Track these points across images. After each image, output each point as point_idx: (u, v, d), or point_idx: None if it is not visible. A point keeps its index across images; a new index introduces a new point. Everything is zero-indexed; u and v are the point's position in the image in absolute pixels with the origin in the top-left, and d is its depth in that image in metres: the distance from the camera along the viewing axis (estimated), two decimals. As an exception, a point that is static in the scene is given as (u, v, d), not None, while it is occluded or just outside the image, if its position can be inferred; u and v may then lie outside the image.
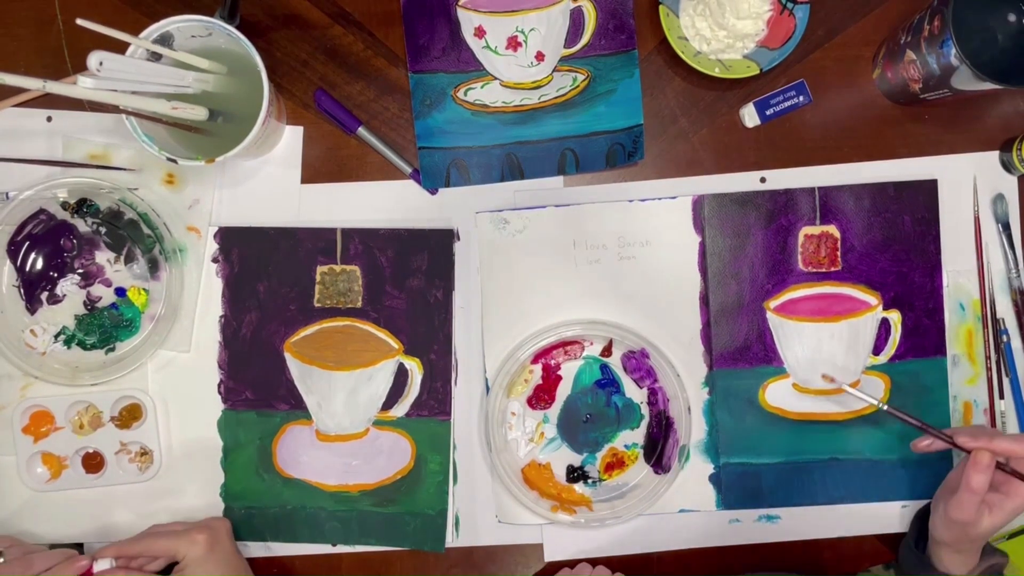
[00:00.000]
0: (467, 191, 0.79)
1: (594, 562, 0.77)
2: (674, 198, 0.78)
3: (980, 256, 0.79)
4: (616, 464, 0.78)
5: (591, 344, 0.78)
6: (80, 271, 0.77)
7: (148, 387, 0.77)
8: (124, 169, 0.77)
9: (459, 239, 0.78)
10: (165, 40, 0.67)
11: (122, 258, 0.77)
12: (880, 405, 0.69)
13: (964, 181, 0.79)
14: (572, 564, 0.77)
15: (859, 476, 0.78)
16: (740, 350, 0.77)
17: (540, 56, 0.78)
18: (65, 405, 0.76)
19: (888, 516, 0.78)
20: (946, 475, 0.70)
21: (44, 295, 0.76)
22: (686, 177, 0.79)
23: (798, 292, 0.78)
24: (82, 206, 0.76)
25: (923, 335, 0.78)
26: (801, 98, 0.78)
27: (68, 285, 0.77)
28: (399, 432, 0.77)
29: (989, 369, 0.78)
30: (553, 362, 0.78)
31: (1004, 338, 0.78)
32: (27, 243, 0.76)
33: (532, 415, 0.78)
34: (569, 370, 0.78)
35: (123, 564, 0.68)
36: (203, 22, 0.67)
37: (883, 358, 0.78)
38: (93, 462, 0.77)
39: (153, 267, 0.77)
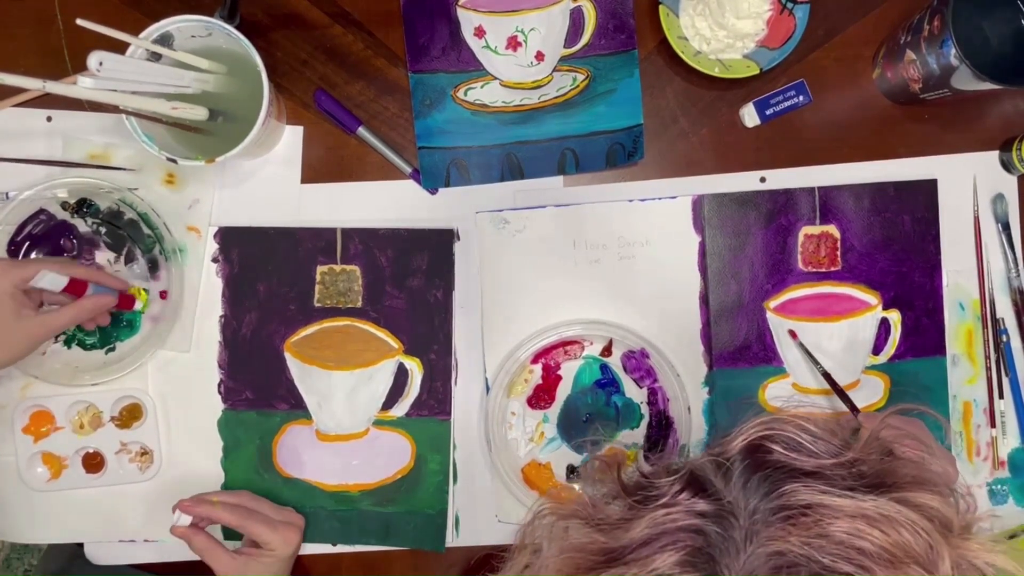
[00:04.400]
0: (467, 191, 0.78)
1: None
2: (674, 198, 0.77)
3: (980, 256, 0.79)
4: (616, 464, 0.78)
5: (591, 344, 0.78)
6: (80, 271, 0.77)
7: (148, 387, 0.77)
8: (124, 169, 0.77)
9: (459, 239, 0.78)
10: (165, 40, 0.67)
11: (122, 258, 0.77)
12: (819, 369, 0.74)
13: (964, 181, 0.79)
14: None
15: (859, 476, 0.78)
16: (740, 350, 0.77)
17: (540, 56, 0.78)
18: (65, 405, 0.76)
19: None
20: None
21: (44, 295, 0.76)
22: (686, 177, 0.79)
23: (798, 292, 0.78)
24: (82, 206, 0.76)
25: (923, 335, 0.78)
26: (801, 98, 0.78)
27: (68, 285, 0.77)
28: (399, 432, 0.77)
29: (989, 369, 0.78)
30: (553, 362, 0.78)
31: (1004, 338, 0.79)
32: (27, 243, 0.76)
33: (532, 415, 0.78)
34: (569, 370, 0.78)
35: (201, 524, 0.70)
36: (203, 22, 0.67)
37: (883, 358, 0.78)
38: (93, 462, 0.77)
39: (153, 267, 0.77)
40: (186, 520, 0.69)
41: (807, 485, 0.40)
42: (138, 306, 0.74)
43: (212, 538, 0.69)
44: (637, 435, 0.78)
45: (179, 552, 0.76)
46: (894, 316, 0.78)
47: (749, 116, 0.78)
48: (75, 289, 0.69)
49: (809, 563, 0.38)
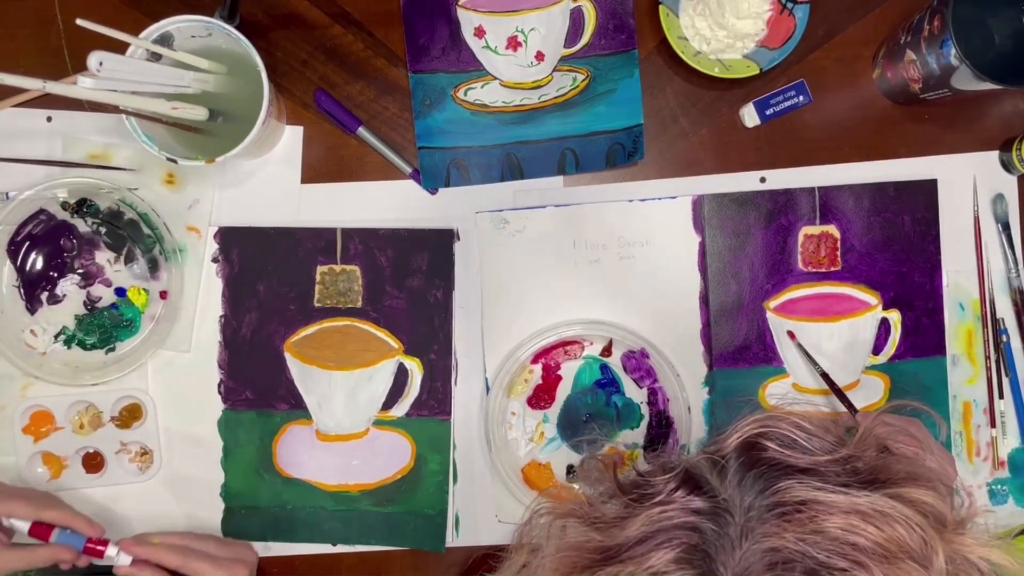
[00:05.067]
0: (467, 191, 0.78)
1: None
2: (674, 198, 0.77)
3: (980, 256, 0.79)
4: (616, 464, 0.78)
5: (591, 344, 0.78)
6: (80, 271, 0.77)
7: (148, 387, 0.77)
8: (124, 169, 0.77)
9: (459, 239, 0.78)
10: (165, 40, 0.67)
11: (122, 258, 0.77)
12: (817, 370, 0.74)
13: (964, 181, 0.79)
14: None
15: (859, 476, 0.78)
16: (740, 350, 0.77)
17: (540, 56, 0.78)
18: (65, 405, 0.76)
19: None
20: None
21: (44, 295, 0.76)
22: (686, 177, 0.79)
23: (798, 292, 0.78)
24: (82, 206, 0.76)
25: (923, 335, 0.78)
26: (801, 98, 0.78)
27: (68, 285, 0.77)
28: (399, 432, 0.77)
29: (989, 369, 0.78)
30: (553, 362, 0.78)
31: (1004, 338, 0.78)
32: (27, 243, 0.76)
33: (532, 415, 0.78)
34: (569, 370, 0.78)
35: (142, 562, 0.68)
36: (203, 22, 0.67)
37: (883, 358, 0.78)
38: (93, 462, 0.77)
39: (153, 267, 0.77)
40: (126, 559, 0.68)
41: (802, 482, 0.41)
42: (111, 552, 0.68)
43: (160, 572, 0.68)
44: (637, 435, 0.78)
45: (179, 552, 0.76)
46: (894, 316, 0.78)
47: (749, 116, 0.78)
48: (39, 531, 0.67)
49: (804, 559, 0.38)
